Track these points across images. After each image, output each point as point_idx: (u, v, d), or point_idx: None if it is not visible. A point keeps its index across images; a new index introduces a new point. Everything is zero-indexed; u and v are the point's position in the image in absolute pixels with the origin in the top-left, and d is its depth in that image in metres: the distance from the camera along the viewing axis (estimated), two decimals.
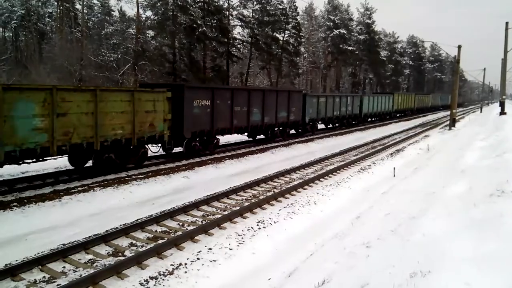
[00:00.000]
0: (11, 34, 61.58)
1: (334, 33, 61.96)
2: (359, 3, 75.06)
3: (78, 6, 53.52)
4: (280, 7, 49.35)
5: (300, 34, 54.96)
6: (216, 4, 41.50)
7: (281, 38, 50.98)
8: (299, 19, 56.95)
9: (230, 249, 7.55)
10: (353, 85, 73.68)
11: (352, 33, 67.64)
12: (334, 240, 7.70)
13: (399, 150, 20.87)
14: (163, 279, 6.32)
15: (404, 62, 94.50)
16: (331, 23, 63.20)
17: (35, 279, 6.21)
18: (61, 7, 52.01)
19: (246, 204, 10.29)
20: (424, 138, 26.41)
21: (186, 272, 6.59)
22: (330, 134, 27.75)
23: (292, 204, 10.49)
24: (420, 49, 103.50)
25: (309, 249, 7.59)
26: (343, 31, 62.60)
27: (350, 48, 63.38)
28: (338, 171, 14.95)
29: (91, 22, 56.78)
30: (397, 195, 10.35)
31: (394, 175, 14.43)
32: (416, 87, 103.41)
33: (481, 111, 56.06)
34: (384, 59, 76.60)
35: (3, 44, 56.30)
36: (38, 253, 7.06)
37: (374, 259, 5.52)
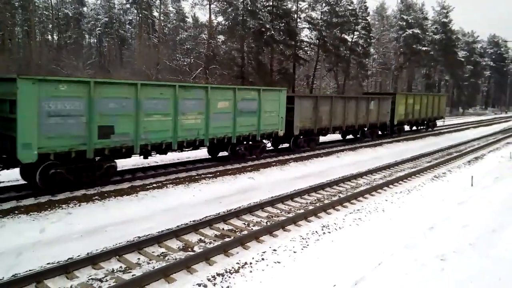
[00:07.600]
0: (95, 40, 67.30)
1: (407, 33, 59.26)
2: (434, 1, 70.81)
3: (156, 13, 56.90)
4: (350, 7, 48.32)
5: (370, 34, 53.33)
6: (285, 7, 41.72)
7: (350, 40, 49.86)
8: (369, 20, 55.30)
9: (294, 252, 7.54)
10: (427, 87, 69.85)
11: (427, 33, 64.17)
12: (404, 250, 7.36)
13: (477, 158, 19.39)
14: (229, 277, 6.48)
15: (484, 63, 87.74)
16: (404, 23, 60.54)
17: (112, 269, 6.68)
18: (140, 15, 55.68)
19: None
20: (506, 145, 24.27)
21: (251, 271, 6.70)
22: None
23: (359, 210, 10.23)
24: (502, 49, 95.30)
25: (377, 258, 7.33)
26: (416, 30, 59.64)
27: (424, 48, 60.15)
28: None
29: (166, 28, 60.06)
30: (475, 206, 9.64)
31: (472, 184, 13.43)
32: (497, 90, 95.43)
33: None
34: (462, 59, 71.63)
35: (89, 49, 61.61)
36: (116, 244, 7.58)
37: (449, 273, 5.21)
